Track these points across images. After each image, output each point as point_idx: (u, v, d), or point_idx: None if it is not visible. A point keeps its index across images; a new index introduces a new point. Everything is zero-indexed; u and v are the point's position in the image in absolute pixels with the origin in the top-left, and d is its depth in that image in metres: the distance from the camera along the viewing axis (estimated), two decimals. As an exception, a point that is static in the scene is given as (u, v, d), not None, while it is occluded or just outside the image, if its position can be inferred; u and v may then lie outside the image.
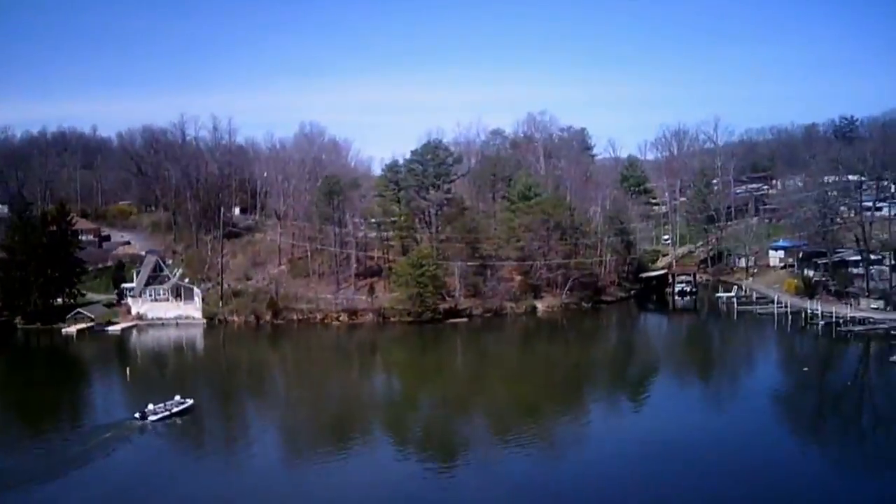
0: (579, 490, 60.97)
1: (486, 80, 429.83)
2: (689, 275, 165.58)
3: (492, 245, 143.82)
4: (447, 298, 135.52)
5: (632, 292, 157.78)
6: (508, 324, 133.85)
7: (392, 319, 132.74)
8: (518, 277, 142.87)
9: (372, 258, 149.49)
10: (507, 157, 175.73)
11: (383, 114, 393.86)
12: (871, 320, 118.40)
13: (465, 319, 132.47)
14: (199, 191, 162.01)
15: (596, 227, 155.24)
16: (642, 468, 64.31)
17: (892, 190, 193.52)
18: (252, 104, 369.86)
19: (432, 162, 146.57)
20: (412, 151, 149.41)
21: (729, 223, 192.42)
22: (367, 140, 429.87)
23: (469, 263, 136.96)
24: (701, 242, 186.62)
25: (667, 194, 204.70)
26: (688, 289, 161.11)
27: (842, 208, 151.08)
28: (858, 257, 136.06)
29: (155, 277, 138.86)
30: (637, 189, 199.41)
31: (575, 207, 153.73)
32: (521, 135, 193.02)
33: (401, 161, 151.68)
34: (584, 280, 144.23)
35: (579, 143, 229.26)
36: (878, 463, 67.59)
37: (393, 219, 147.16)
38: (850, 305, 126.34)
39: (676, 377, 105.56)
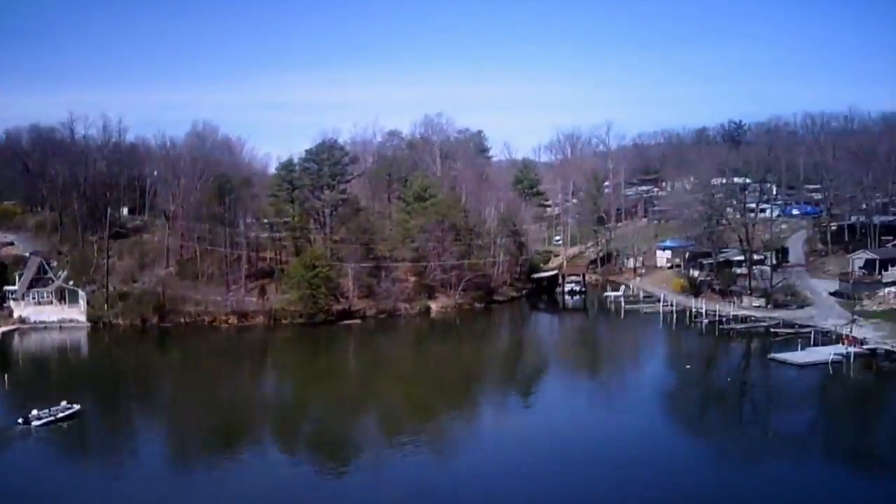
0: (471, 490, 61.18)
1: (384, 80, 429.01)
2: (578, 275, 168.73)
3: (386, 246, 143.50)
4: (340, 300, 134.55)
5: (523, 292, 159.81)
6: (402, 325, 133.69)
7: (284, 322, 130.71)
8: (412, 278, 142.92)
9: (264, 259, 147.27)
10: (404, 157, 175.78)
11: (282, 112, 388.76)
12: (753, 318, 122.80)
13: (358, 321, 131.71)
14: (85, 190, 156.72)
15: (490, 228, 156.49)
16: (533, 466, 65.18)
17: (774, 192, 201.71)
18: (146, 102, 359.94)
19: (328, 161, 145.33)
20: (307, 151, 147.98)
21: (619, 224, 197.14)
22: (266, 139, 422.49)
23: (363, 264, 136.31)
24: (591, 243, 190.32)
25: (559, 196, 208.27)
26: (577, 288, 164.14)
27: (728, 210, 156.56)
28: (742, 257, 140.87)
29: (39, 280, 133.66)
30: (530, 191, 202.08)
31: (469, 209, 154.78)
32: (418, 136, 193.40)
33: (296, 160, 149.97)
34: (477, 280, 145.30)
35: (476, 144, 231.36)
36: (756, 454, 70.37)
37: (286, 219, 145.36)
38: (733, 304, 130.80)
39: (566, 375, 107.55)
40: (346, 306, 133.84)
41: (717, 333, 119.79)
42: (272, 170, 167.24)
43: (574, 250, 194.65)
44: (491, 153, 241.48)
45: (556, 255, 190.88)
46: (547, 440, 73.06)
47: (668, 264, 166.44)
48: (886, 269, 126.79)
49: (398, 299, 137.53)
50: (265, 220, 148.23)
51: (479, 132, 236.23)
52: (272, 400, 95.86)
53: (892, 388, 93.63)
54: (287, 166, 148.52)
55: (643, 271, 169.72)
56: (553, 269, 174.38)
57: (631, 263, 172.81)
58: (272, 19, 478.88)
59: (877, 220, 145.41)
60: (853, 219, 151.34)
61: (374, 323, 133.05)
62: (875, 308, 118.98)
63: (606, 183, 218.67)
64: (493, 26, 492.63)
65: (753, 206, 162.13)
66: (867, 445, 74.56)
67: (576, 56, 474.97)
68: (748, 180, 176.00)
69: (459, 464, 68.76)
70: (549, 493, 60.08)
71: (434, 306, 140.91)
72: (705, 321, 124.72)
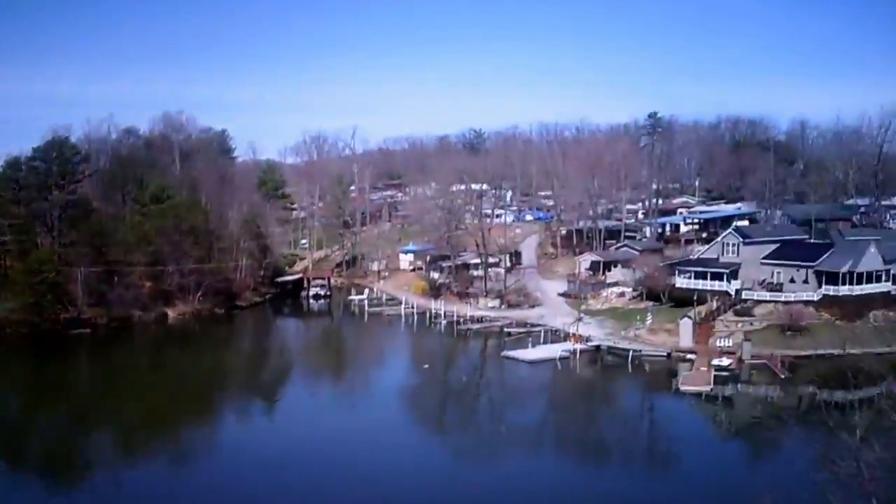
0: (213, 500, 59.95)
1: (119, 74, 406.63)
2: (323, 279, 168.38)
3: (121, 250, 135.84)
4: (69, 308, 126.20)
5: (268, 297, 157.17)
6: (137, 333, 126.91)
7: (7, 331, 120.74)
8: (148, 284, 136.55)
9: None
10: (140, 157, 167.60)
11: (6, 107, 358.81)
12: (488, 318, 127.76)
13: (87, 330, 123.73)
14: None
15: (232, 231, 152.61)
16: (271, 470, 64.40)
17: (510, 199, 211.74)
18: None
19: (56, 160, 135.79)
20: (35, 149, 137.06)
21: (364, 228, 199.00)
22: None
23: (93, 269, 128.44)
24: (337, 247, 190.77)
25: (306, 199, 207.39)
26: (322, 292, 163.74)
27: (466, 216, 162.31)
28: (479, 260, 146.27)
29: None
30: (275, 193, 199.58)
31: (211, 211, 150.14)
32: (157, 134, 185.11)
33: (23, 158, 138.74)
34: (218, 285, 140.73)
35: (219, 144, 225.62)
36: (493, 449, 73.99)
37: (11, 221, 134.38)
38: (471, 305, 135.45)
39: (309, 379, 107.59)
40: (76, 314, 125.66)
41: (455, 334, 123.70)
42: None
43: (320, 254, 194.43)
44: (236, 154, 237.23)
45: (303, 259, 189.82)
46: (287, 443, 73.00)
47: (411, 267, 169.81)
48: (609, 270, 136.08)
49: (132, 306, 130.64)
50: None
51: (223, 132, 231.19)
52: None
53: (615, 381, 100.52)
54: (13, 165, 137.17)
55: (387, 274, 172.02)
56: (298, 273, 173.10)
57: (375, 267, 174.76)
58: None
59: (601, 224, 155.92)
60: (581, 223, 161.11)
61: (107, 331, 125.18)
62: (599, 307, 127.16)
63: (353, 187, 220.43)
64: (237, 23, 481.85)
65: (490, 211, 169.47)
66: (594, 435, 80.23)
67: (324, 59, 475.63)
68: (486, 186, 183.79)
69: (196, 474, 67.02)
70: (285, 496, 59.58)
71: (172, 313, 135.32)
72: (444, 322, 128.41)
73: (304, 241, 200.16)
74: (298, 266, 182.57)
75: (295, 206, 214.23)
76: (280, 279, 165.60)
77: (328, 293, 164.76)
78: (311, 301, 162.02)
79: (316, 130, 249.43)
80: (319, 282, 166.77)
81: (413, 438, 77.58)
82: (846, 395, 72.59)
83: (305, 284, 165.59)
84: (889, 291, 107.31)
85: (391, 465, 66.65)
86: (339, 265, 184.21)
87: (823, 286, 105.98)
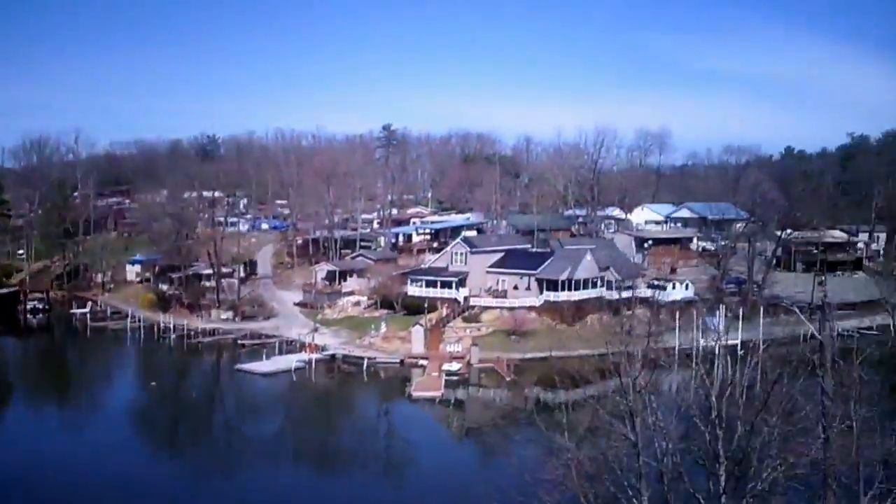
0: None
1: None
2: (42, 292, 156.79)
3: None
4: None
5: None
6: None
7: None
8: None
9: None
10: None
11: None
12: (221, 331, 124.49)
13: None
14: None
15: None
16: None
17: (244, 207, 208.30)
18: None
19: None
20: None
21: (88, 237, 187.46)
22: None
23: None
24: (58, 257, 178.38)
25: (23, 206, 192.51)
26: (41, 306, 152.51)
27: (198, 224, 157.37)
28: (210, 271, 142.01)
29: None
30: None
31: None
32: None
33: None
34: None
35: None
36: (228, 463, 73.21)
37: None
38: (202, 317, 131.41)
39: (26, 401, 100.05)
40: None
41: (185, 348, 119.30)
42: None
43: (39, 265, 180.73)
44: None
45: (21, 271, 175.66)
46: (3, 471, 67.11)
47: (139, 279, 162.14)
48: (346, 280, 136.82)
49: None
50: None
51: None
52: None
53: (350, 389, 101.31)
54: None
55: (112, 286, 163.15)
56: (13, 286, 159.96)
57: (100, 278, 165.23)
58: None
59: (337, 234, 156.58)
60: (317, 233, 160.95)
61: None
62: (335, 316, 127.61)
63: (76, 193, 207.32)
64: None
65: (223, 219, 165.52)
66: (332, 443, 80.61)
67: (44, 58, 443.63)
68: (219, 194, 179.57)
69: None
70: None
71: None
72: (174, 336, 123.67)
73: (21, 252, 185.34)
74: (17, 278, 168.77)
75: (11, 213, 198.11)
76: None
77: (47, 307, 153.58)
78: (29, 316, 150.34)
79: (37, 133, 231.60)
80: (38, 295, 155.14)
81: (143, 458, 74.22)
82: (566, 396, 77.12)
83: (22, 298, 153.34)
84: (602, 296, 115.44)
85: (121, 487, 63.54)
86: (59, 277, 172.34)
87: (545, 292, 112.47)
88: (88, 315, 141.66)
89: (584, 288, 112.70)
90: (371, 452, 77.85)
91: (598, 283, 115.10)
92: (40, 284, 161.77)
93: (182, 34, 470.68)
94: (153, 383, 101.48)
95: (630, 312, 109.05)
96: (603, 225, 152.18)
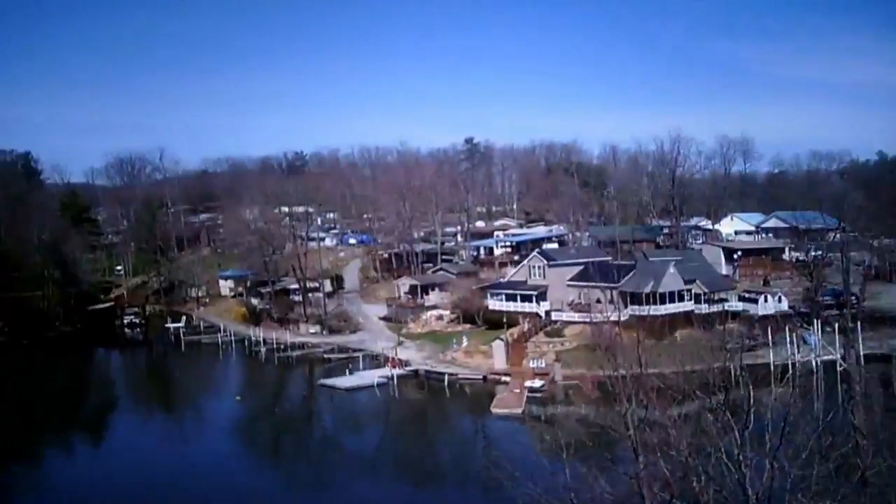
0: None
1: None
2: (138, 306, 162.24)
3: None
4: None
5: (79, 326, 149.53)
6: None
7: None
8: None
9: None
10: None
11: None
12: (309, 344, 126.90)
13: None
14: None
15: (35, 259, 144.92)
16: None
17: (332, 222, 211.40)
18: None
19: None
20: None
21: (182, 253, 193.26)
22: None
23: None
24: (154, 273, 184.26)
25: (122, 223, 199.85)
26: (137, 320, 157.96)
27: (286, 239, 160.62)
28: (298, 285, 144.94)
29: None
30: (81, 218, 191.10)
31: (2, 237, 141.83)
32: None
33: None
34: (21, 316, 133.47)
35: (23, 167, 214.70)
36: (327, 476, 75.10)
37: None
38: (291, 331, 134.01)
39: (130, 414, 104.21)
40: None
41: (276, 361, 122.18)
42: None
43: (136, 280, 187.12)
44: (44, 177, 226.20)
45: (119, 286, 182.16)
46: (123, 483, 70.82)
47: (232, 293, 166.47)
48: (427, 294, 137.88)
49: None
50: None
51: (27, 154, 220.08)
52: None
53: (433, 404, 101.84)
54: None
55: (207, 301, 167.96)
56: (111, 301, 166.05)
57: (194, 293, 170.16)
58: None
59: (419, 248, 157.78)
60: (400, 247, 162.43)
61: None
62: (419, 330, 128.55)
63: (172, 210, 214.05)
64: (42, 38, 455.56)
65: (314, 235, 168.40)
66: (424, 458, 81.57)
67: (135, 79, 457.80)
68: (310, 209, 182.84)
69: None
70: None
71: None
72: (264, 349, 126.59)
73: (119, 268, 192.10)
74: (115, 293, 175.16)
75: (101, 231, 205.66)
76: (92, 307, 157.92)
77: (143, 321, 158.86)
78: (126, 330, 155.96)
79: (126, 152, 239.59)
80: (133, 310, 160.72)
81: (246, 469, 76.85)
82: (660, 414, 75.91)
83: (119, 313, 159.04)
84: (692, 311, 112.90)
85: (231, 498, 66.57)
86: (156, 292, 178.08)
87: (630, 306, 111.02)
88: (182, 329, 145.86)
89: (669, 301, 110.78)
90: (464, 468, 77.55)
91: (686, 296, 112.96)
92: (138, 299, 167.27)
93: (268, 54, 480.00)
94: (238, 397, 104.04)
95: (722, 327, 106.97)
96: (690, 236, 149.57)
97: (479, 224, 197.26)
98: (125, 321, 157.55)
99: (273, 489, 71.35)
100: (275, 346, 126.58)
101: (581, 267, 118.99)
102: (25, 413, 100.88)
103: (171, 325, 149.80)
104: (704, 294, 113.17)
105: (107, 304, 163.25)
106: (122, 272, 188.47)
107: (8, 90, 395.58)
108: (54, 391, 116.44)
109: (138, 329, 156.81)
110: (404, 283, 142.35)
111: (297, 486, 73.04)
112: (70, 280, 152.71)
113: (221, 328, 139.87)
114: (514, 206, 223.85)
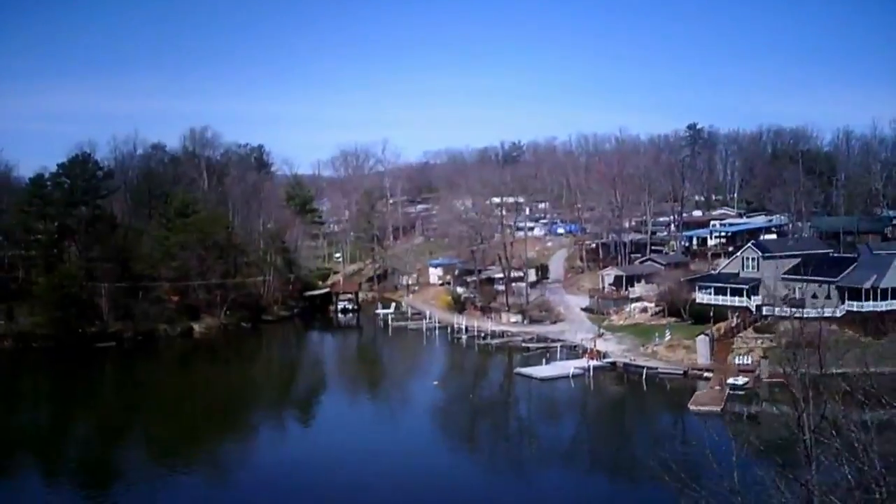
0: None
1: (143, 90, 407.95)
2: (351, 293, 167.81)
3: (145, 264, 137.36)
4: (95, 322, 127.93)
5: (295, 310, 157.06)
6: (162, 347, 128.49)
7: (34, 345, 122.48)
8: (175, 298, 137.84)
9: (16, 279, 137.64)
10: (166, 173, 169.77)
11: (32, 121, 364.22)
12: (509, 333, 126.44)
13: (113, 343, 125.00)
14: None
15: (259, 245, 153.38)
16: (315, 487, 65.90)
17: (543, 212, 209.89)
18: None
19: (82, 176, 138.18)
20: (59, 165, 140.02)
21: (397, 242, 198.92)
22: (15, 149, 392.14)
23: (119, 284, 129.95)
24: (369, 260, 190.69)
25: (344, 213, 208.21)
26: (350, 306, 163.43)
27: (498, 228, 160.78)
28: (502, 275, 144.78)
29: None
30: (304, 208, 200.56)
31: (235, 225, 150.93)
32: (187, 150, 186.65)
33: (47, 174, 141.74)
34: (244, 300, 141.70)
35: (257, 160, 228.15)
36: (524, 464, 75.48)
37: (37, 236, 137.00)
38: (492, 320, 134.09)
39: (337, 394, 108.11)
40: (101, 328, 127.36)
41: (476, 348, 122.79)
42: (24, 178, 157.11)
43: (353, 267, 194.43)
44: (274, 169, 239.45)
45: (337, 273, 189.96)
46: (327, 459, 73.99)
47: (440, 282, 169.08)
48: (632, 286, 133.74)
49: (158, 320, 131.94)
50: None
51: (260, 147, 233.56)
52: (26, 429, 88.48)
53: (630, 397, 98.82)
54: (37, 181, 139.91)
55: (416, 288, 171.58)
56: (326, 287, 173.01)
57: (405, 281, 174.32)
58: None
59: (626, 238, 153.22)
60: (609, 237, 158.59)
61: (133, 345, 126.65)
62: (621, 322, 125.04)
63: (392, 201, 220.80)
64: (266, 40, 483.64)
65: (521, 224, 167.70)
66: (620, 451, 79.47)
67: (352, 75, 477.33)
68: (520, 199, 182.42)
69: (238, 488, 67.39)
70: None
71: (197, 327, 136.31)
72: (466, 336, 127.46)
73: (337, 255, 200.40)
74: (332, 279, 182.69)
75: (323, 220, 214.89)
76: (308, 293, 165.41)
77: (356, 307, 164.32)
78: (340, 315, 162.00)
79: (352, 145, 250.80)
80: (347, 296, 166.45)
81: (448, 452, 79.33)
82: (871, 416, 69.70)
83: (333, 299, 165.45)
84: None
85: (433, 480, 68.49)
86: (370, 279, 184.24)
87: (846, 302, 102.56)
88: (391, 315, 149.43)
89: (892, 297, 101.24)
90: (661, 464, 74.67)
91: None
92: (352, 286, 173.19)
93: (489, 49, 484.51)
94: (435, 382, 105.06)
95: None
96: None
97: (696, 213, 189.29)
98: (339, 307, 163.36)
99: (469, 475, 72.16)
100: (476, 333, 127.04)
101: (798, 259, 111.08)
102: (247, 391, 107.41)
103: (380, 311, 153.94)
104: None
105: (323, 290, 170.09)
106: (340, 259, 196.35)
107: (245, 86, 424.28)
108: (271, 371, 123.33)
109: (351, 314, 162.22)
110: (609, 274, 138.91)
111: (492, 473, 73.63)
112: (290, 266, 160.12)
113: (427, 315, 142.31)
114: (735, 195, 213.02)
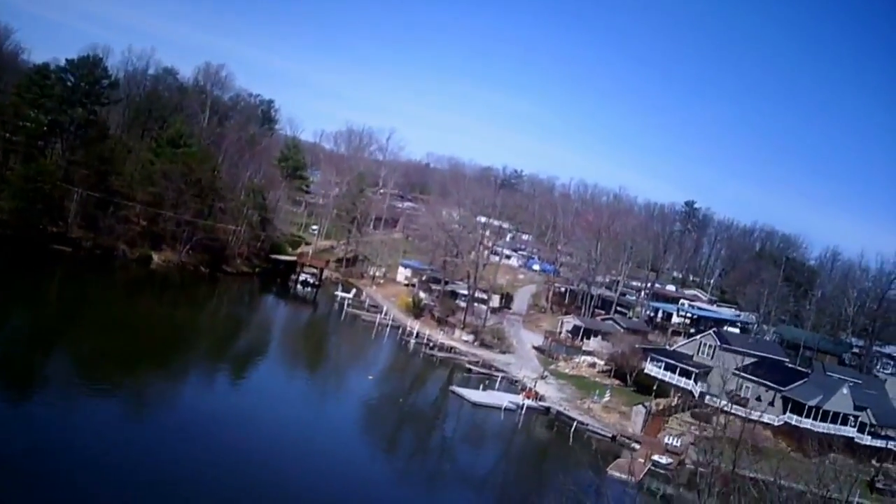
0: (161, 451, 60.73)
1: (169, 12, 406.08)
2: (317, 268, 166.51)
3: (124, 182, 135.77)
4: (59, 223, 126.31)
5: (257, 270, 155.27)
6: (117, 266, 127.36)
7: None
8: (143, 223, 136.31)
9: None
10: (171, 99, 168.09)
11: (55, 10, 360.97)
12: (457, 350, 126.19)
13: (69, 249, 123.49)
14: None
15: (240, 196, 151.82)
16: (224, 446, 65.54)
17: (524, 244, 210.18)
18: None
19: (86, 78, 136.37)
20: (68, 60, 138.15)
21: (376, 231, 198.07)
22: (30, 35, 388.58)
23: (92, 193, 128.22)
24: (343, 241, 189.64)
25: (335, 187, 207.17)
26: (312, 280, 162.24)
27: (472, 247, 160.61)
28: (467, 292, 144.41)
29: None
30: (295, 172, 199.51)
31: (221, 169, 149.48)
32: (196, 83, 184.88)
33: (53, 66, 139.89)
34: (209, 243, 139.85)
35: (264, 113, 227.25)
36: (436, 482, 76.56)
37: (27, 124, 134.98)
38: (445, 333, 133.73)
39: (277, 363, 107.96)
40: (63, 231, 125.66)
41: (421, 356, 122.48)
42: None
43: (326, 244, 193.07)
44: (277, 127, 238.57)
45: (309, 244, 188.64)
46: (244, 422, 73.38)
47: (406, 282, 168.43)
48: (588, 338, 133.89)
49: (120, 239, 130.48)
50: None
51: (270, 101, 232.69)
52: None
53: (554, 445, 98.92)
54: (41, 70, 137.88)
55: (381, 281, 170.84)
56: (294, 256, 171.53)
57: (373, 271, 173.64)
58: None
59: (595, 291, 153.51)
60: (580, 286, 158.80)
61: (88, 256, 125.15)
62: (567, 371, 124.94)
63: (382, 190, 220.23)
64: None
65: (500, 249, 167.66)
66: (534, 498, 78.84)
67: (376, 56, 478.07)
68: (505, 225, 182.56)
69: (150, 424, 67.16)
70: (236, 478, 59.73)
71: (156, 258, 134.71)
72: (414, 342, 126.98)
73: (314, 228, 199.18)
74: (302, 250, 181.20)
75: (310, 190, 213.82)
76: (275, 256, 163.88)
77: (317, 283, 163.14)
78: (299, 287, 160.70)
79: (359, 124, 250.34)
80: (312, 270, 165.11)
81: (366, 450, 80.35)
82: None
83: (297, 269, 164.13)
84: (853, 438, 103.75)
85: (343, 470, 69.37)
86: (339, 260, 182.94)
87: (788, 413, 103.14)
88: (349, 300, 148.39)
89: (832, 421, 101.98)
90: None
91: (851, 421, 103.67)
92: (320, 262, 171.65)
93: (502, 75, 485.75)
94: (371, 377, 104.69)
95: (879, 465, 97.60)
96: (880, 363, 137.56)
97: (670, 287, 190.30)
98: (301, 278, 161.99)
99: (378, 476, 72.65)
100: (425, 342, 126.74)
101: (754, 359, 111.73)
102: (189, 335, 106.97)
103: (340, 294, 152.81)
104: (871, 426, 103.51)
105: (290, 258, 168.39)
106: (315, 233, 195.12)
107: (269, 37, 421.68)
108: (217, 322, 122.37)
109: (311, 289, 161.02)
110: (569, 321, 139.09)
111: (404, 482, 74.16)
112: (264, 225, 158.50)
113: (384, 310, 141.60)
114: (712, 282, 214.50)
